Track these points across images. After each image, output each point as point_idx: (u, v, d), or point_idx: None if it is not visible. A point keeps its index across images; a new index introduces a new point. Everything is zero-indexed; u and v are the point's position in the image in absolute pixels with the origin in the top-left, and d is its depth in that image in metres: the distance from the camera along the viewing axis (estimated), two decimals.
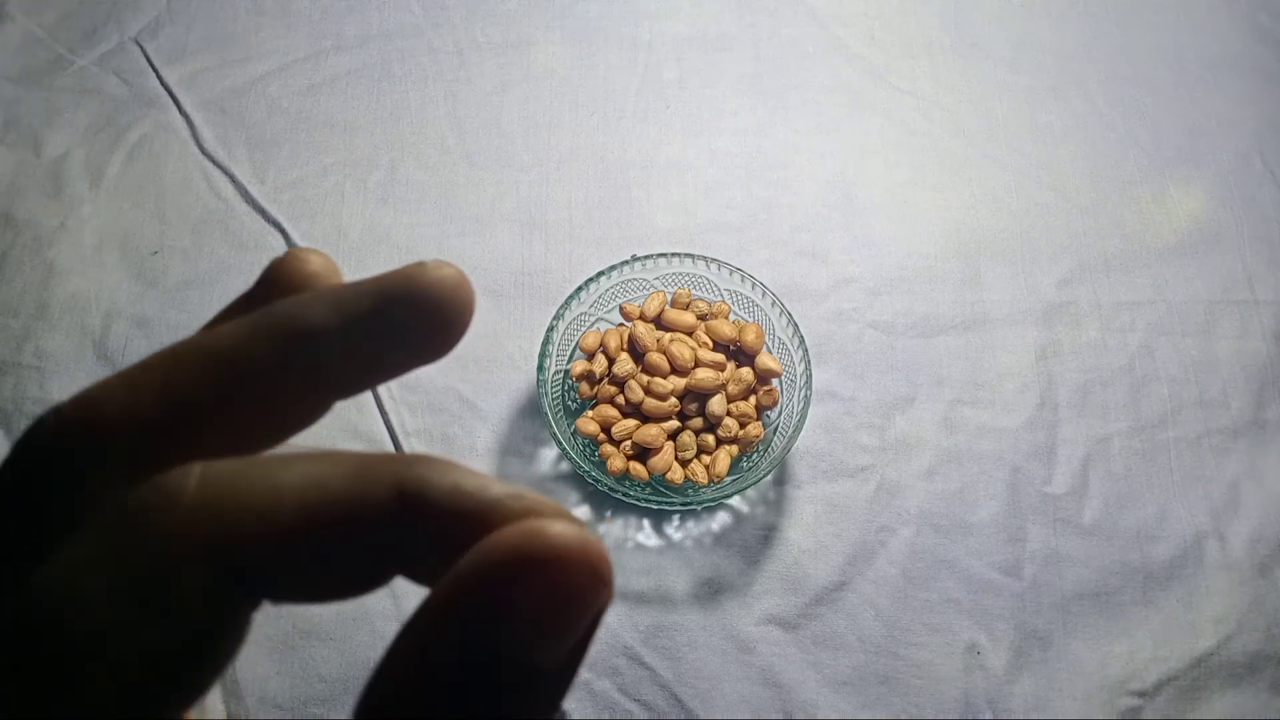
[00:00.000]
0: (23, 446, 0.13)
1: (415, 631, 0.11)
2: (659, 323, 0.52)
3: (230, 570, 0.11)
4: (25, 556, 0.12)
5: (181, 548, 0.11)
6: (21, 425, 0.52)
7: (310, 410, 0.14)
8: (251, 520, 0.11)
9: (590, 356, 0.52)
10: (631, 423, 0.49)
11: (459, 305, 0.14)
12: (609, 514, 0.52)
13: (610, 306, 0.54)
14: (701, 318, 0.52)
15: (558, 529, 0.11)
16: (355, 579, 0.12)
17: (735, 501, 0.53)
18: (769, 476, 0.52)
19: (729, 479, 0.50)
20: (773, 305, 0.52)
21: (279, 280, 0.15)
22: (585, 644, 0.12)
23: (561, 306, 0.50)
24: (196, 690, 0.12)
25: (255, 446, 0.14)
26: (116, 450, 0.13)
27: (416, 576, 0.13)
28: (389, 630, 0.48)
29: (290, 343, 0.13)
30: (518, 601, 0.11)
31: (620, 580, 0.50)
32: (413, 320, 0.14)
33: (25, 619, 0.11)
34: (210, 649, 0.12)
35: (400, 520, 0.12)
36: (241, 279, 0.58)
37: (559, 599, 0.11)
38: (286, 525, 0.11)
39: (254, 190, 0.61)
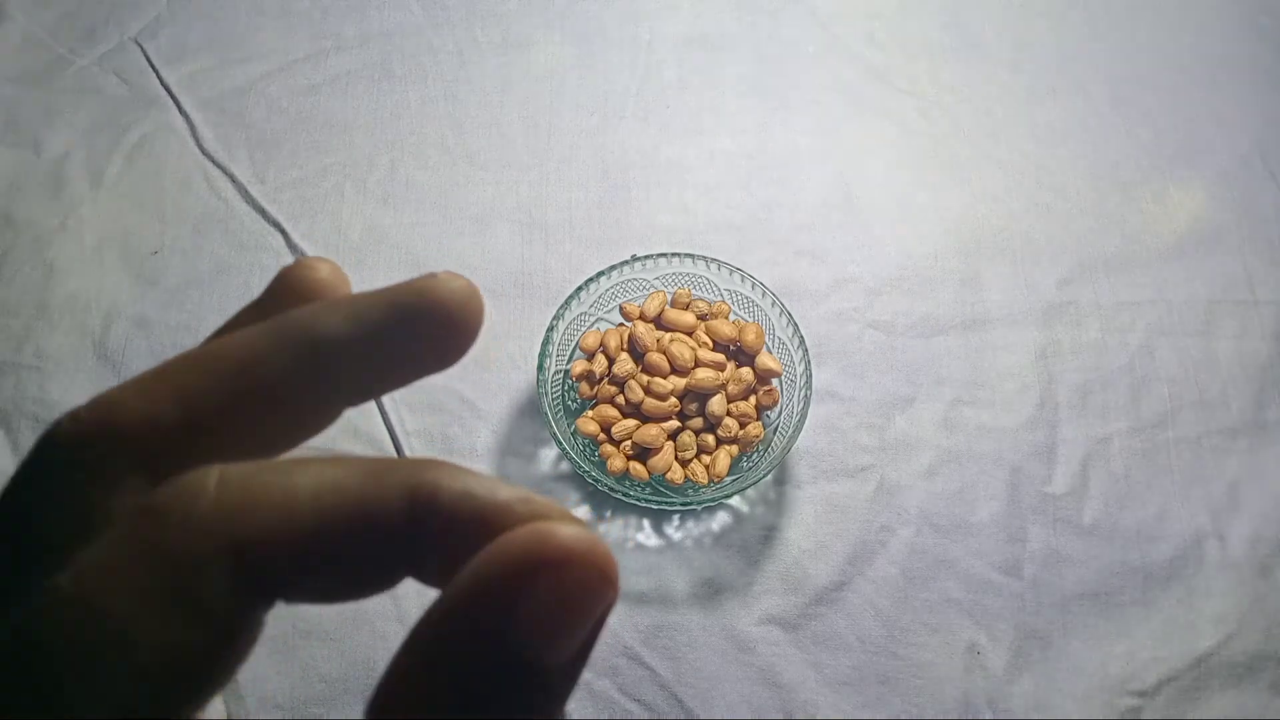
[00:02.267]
0: (40, 449, 0.13)
1: (427, 630, 0.12)
2: (659, 323, 0.52)
3: (249, 569, 0.12)
4: (44, 557, 0.13)
5: (203, 547, 0.11)
6: (21, 425, 0.52)
7: (322, 416, 0.15)
8: (269, 521, 0.12)
9: (590, 356, 0.52)
10: (631, 423, 0.49)
11: (469, 316, 0.15)
12: (609, 514, 0.52)
13: (610, 306, 0.54)
14: (701, 318, 0.52)
15: (566, 531, 0.12)
16: (367, 579, 0.13)
17: (735, 501, 0.53)
18: (769, 476, 0.52)
19: (729, 479, 0.50)
20: (773, 305, 0.52)
21: (289, 288, 0.16)
22: (590, 644, 0.12)
23: (561, 306, 0.50)
24: (212, 689, 0.12)
25: (268, 451, 0.14)
26: (132, 453, 0.13)
27: (426, 578, 0.13)
28: (389, 630, 0.48)
29: (306, 351, 0.14)
30: (528, 600, 0.11)
31: (620, 580, 0.50)
32: (425, 331, 0.14)
33: (49, 619, 0.11)
34: (228, 647, 0.12)
35: (412, 522, 0.12)
36: (241, 279, 0.58)
37: (567, 598, 0.11)
38: (303, 526, 0.12)
39: (254, 190, 0.61)
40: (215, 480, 0.12)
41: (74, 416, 0.13)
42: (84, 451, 0.13)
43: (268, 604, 0.12)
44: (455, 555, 0.12)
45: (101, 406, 0.13)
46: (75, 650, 0.11)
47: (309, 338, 0.14)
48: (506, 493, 0.12)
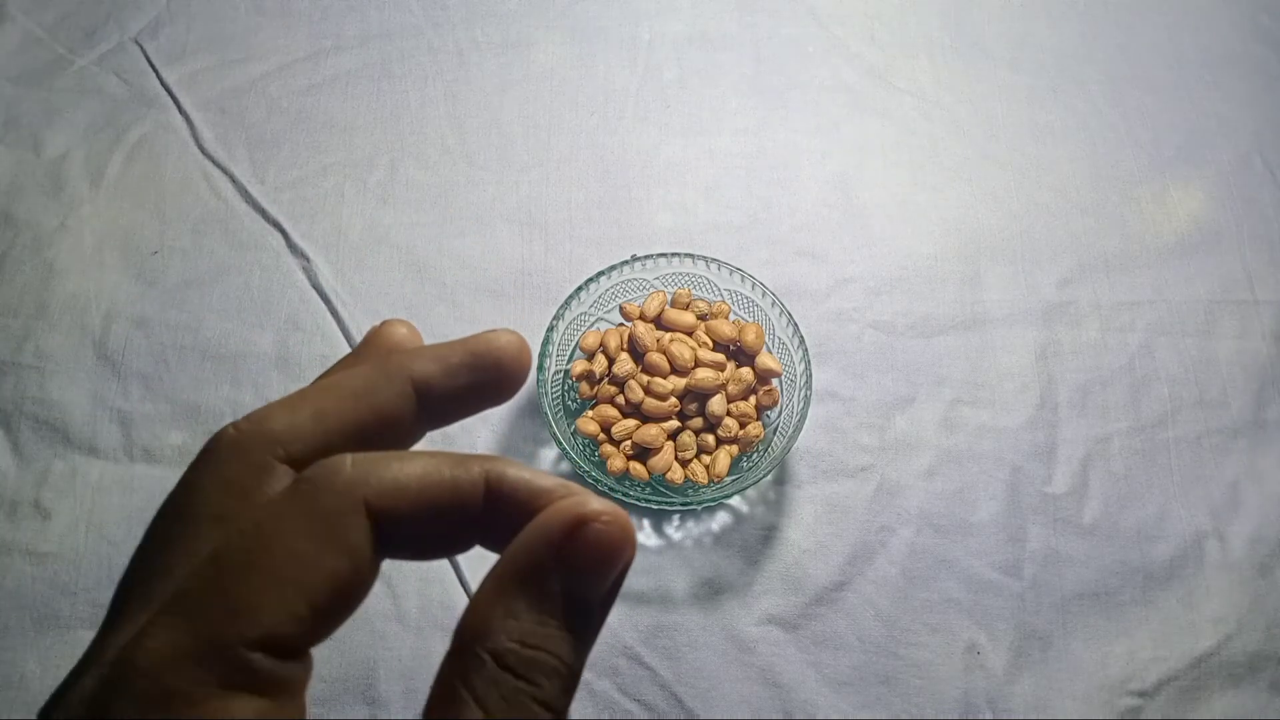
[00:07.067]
0: (209, 447, 0.18)
1: (501, 577, 0.16)
2: (659, 323, 0.52)
3: (375, 522, 0.16)
4: (218, 517, 0.17)
5: (344, 502, 0.16)
6: (22, 425, 0.52)
7: (411, 437, 0.20)
8: (390, 491, 0.16)
9: (590, 356, 0.52)
10: (631, 423, 0.49)
11: (522, 364, 0.20)
12: None
13: (610, 306, 0.54)
14: (701, 318, 0.52)
15: (596, 503, 0.16)
16: (450, 542, 0.18)
17: (735, 501, 0.53)
18: (769, 476, 0.52)
19: (729, 479, 0.50)
20: (773, 305, 0.52)
21: (378, 343, 0.21)
22: (612, 595, 0.17)
23: (561, 306, 0.50)
24: (347, 612, 0.17)
25: None
26: (280, 451, 0.18)
27: (489, 544, 0.18)
28: (389, 630, 0.48)
29: (406, 384, 0.19)
30: (574, 548, 0.16)
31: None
32: (490, 374, 0.20)
33: (232, 548, 0.15)
34: (362, 580, 0.16)
35: (485, 500, 0.17)
36: (241, 279, 0.58)
37: (602, 547, 0.16)
38: (412, 498, 0.16)
39: (254, 190, 0.61)
40: (350, 460, 0.16)
41: (235, 426, 0.18)
42: (243, 447, 0.18)
43: (383, 555, 0.17)
44: (512, 527, 0.17)
45: (256, 418, 0.18)
46: (251, 576, 0.15)
47: (407, 374, 0.19)
48: (550, 481, 0.17)
